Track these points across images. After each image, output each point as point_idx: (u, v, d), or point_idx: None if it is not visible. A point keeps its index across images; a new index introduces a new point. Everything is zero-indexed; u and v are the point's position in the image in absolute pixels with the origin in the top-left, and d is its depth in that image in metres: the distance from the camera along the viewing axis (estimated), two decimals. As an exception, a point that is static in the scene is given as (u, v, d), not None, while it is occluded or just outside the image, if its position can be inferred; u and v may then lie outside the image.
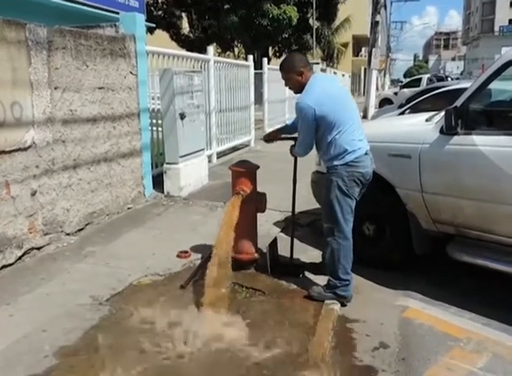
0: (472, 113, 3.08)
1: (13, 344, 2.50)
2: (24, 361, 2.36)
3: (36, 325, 2.67)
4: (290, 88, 3.06)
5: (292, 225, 3.60)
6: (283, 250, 3.57)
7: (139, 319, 2.75)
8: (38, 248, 3.75)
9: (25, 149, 3.59)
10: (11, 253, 3.49)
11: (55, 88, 3.88)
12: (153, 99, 5.82)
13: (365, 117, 14.37)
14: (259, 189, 3.39)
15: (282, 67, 3.03)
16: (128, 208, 4.94)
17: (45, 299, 3.00)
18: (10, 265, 3.47)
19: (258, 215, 3.45)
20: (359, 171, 2.85)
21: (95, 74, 4.34)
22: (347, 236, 2.92)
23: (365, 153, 2.89)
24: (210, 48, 7.32)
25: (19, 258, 3.57)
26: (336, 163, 2.85)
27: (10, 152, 3.46)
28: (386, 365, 2.42)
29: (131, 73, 4.90)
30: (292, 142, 3.18)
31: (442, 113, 3.14)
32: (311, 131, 2.88)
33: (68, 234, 4.08)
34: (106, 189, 4.59)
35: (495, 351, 2.53)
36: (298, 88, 2.95)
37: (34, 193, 3.69)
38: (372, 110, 15.16)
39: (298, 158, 3.27)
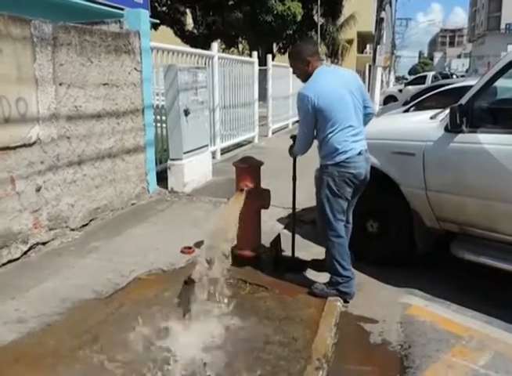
0: (477, 111, 3.06)
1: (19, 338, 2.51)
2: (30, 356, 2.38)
3: (41, 319, 2.69)
4: (297, 76, 3.03)
5: (293, 221, 3.60)
6: (287, 246, 3.58)
7: (142, 316, 2.77)
8: (43, 243, 3.78)
9: (30, 145, 3.61)
10: (16, 248, 3.52)
11: (60, 84, 3.89)
12: (157, 95, 5.83)
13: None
14: (263, 185, 3.40)
15: (289, 54, 3.03)
16: (132, 204, 4.96)
17: (49, 294, 3.03)
18: (16, 260, 3.50)
19: (262, 211, 3.46)
20: (350, 172, 2.82)
21: (99, 70, 4.35)
22: (340, 233, 2.93)
23: (359, 154, 2.83)
24: (215, 45, 7.31)
25: (25, 253, 3.60)
26: (327, 162, 2.85)
27: (15, 148, 3.48)
28: (388, 362, 2.42)
29: (135, 69, 4.91)
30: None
31: (447, 111, 3.13)
32: (311, 125, 2.85)
33: (73, 229, 4.11)
34: (111, 185, 4.61)
35: (497, 349, 2.53)
36: (304, 77, 2.94)
37: (38, 189, 3.71)
38: (376, 108, 15.10)
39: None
